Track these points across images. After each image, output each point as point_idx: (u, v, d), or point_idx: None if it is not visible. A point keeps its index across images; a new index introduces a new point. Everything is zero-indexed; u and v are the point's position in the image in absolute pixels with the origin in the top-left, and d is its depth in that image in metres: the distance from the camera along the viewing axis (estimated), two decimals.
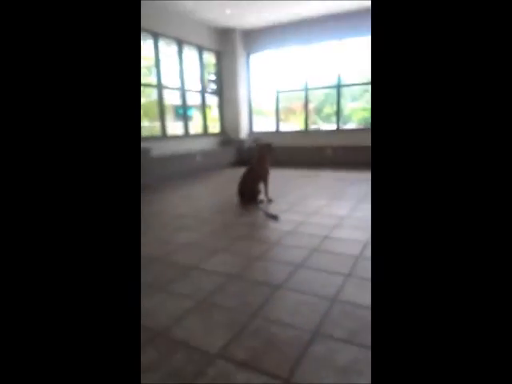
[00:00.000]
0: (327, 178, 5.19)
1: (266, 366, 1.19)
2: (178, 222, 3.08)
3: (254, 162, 3.69)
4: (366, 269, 1.96)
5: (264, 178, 3.66)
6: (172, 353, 1.29)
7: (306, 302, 1.61)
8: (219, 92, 7.18)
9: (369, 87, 6.51)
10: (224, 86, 7.15)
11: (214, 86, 7.14)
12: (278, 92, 7.10)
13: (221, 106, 7.26)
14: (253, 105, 7.49)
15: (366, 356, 1.22)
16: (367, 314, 1.49)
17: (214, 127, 7.25)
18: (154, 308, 1.61)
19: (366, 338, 1.33)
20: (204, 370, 1.18)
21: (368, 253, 2.20)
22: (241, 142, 7.07)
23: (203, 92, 6.76)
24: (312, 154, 6.60)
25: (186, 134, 6.33)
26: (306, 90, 6.86)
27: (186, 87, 6.23)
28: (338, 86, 6.54)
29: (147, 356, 1.27)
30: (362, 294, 1.68)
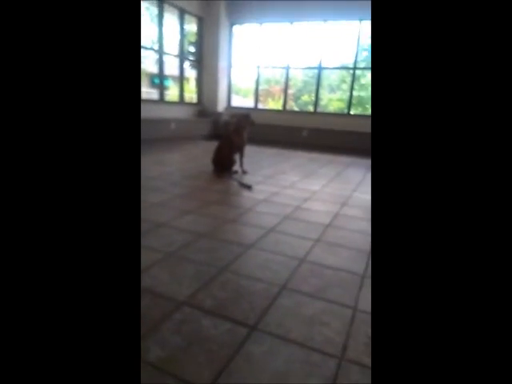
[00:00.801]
0: (302, 158, 5.23)
1: (233, 313, 1.19)
2: (149, 183, 2.97)
3: (232, 131, 3.62)
4: (334, 236, 2.01)
5: (240, 148, 3.61)
6: None
7: (275, 261, 1.63)
8: (199, 61, 6.91)
9: (347, 77, 6.57)
10: (204, 55, 6.89)
11: (193, 58, 6.86)
12: (258, 68, 6.96)
13: (199, 76, 7.01)
14: (232, 81, 7.31)
15: (331, 309, 1.26)
16: (333, 274, 1.54)
17: (191, 98, 7.01)
18: None
19: (332, 293, 1.37)
20: (170, 315, 1.16)
21: (337, 222, 2.25)
22: (217, 114, 6.90)
23: (182, 61, 6.47)
24: (288, 133, 6.60)
25: (162, 100, 6.07)
26: (288, 69, 6.78)
27: (164, 52, 5.92)
28: (319, 69, 6.52)
29: None
30: (329, 256, 1.72)
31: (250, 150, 4.09)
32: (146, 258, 1.57)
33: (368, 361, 1.00)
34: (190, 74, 6.94)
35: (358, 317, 1.22)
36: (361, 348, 1.06)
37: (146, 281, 1.37)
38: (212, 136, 6.70)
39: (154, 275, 1.42)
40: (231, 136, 3.57)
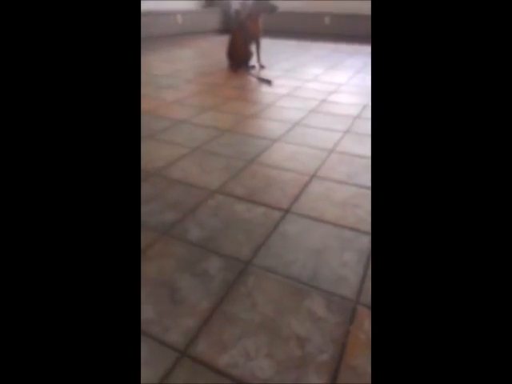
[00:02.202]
0: (324, 49, 4.72)
1: (265, 199, 1.20)
2: (161, 81, 2.80)
3: (247, 19, 3.20)
4: (364, 127, 1.90)
5: (256, 38, 3.24)
6: (169, 188, 1.27)
7: (304, 152, 1.58)
8: None
9: None
10: None
11: None
12: None
13: None
14: None
15: (362, 193, 1.25)
16: (363, 161, 1.49)
17: None
18: (147, 152, 1.55)
19: (363, 179, 1.34)
20: (203, 201, 1.18)
21: (366, 114, 2.11)
22: (227, 3, 6.09)
23: None
24: (308, 21, 5.84)
25: None
26: None
27: None
28: None
29: (143, 191, 1.25)
30: (359, 146, 1.65)
31: (265, 43, 3.70)
32: (171, 152, 1.56)
33: None
34: None
35: None
36: None
37: (175, 173, 1.38)
38: (223, 30, 6.04)
39: (183, 168, 1.42)
40: (245, 23, 3.17)
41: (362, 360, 0.67)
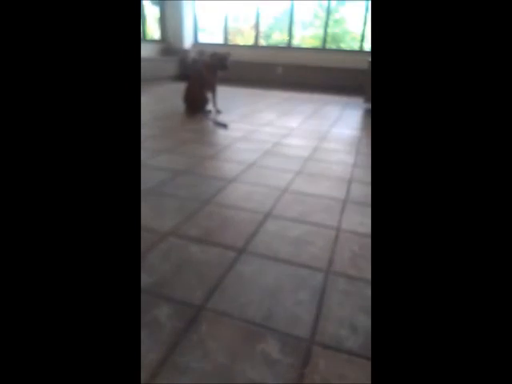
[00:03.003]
0: (277, 97, 5.04)
1: (220, 240, 1.19)
2: None
3: (204, 68, 3.36)
4: (315, 167, 2.00)
5: (212, 86, 3.40)
6: None
7: (258, 192, 1.62)
8: None
9: (320, 12, 6.13)
10: None
11: None
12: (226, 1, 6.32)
13: (162, 11, 6.31)
14: (198, 22, 6.63)
15: (315, 230, 1.29)
16: (316, 201, 1.55)
17: (154, 33, 6.37)
18: None
19: (316, 217, 1.39)
20: (156, 245, 1.14)
21: (317, 155, 2.24)
22: (184, 52, 6.38)
23: None
24: (262, 71, 6.29)
25: None
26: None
27: None
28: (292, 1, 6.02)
29: None
30: (311, 185, 1.73)
31: (221, 91, 3.88)
32: None
33: (353, 272, 1.05)
34: (150, 10, 6.20)
35: (342, 236, 1.26)
36: (346, 262, 1.10)
37: None
38: (180, 76, 6.26)
39: None
40: (203, 72, 3.33)
41: None
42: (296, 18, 6.22)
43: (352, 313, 0.88)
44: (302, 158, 2.18)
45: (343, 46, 6.32)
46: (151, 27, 6.33)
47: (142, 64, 5.53)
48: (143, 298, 0.89)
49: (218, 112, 3.48)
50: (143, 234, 1.20)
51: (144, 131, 2.64)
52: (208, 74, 3.33)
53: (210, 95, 3.40)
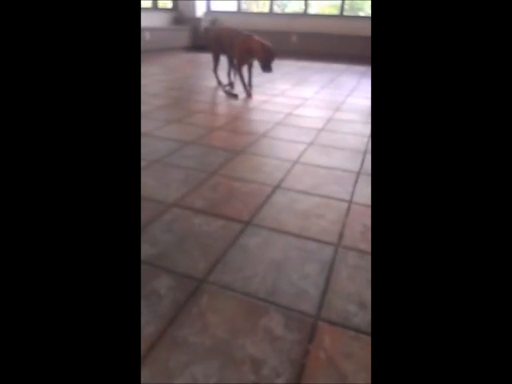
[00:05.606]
0: (291, 66, 4.83)
1: (225, 212, 1.14)
2: None
3: (240, 42, 2.75)
4: (328, 139, 1.91)
5: (260, 56, 2.85)
6: None
7: (268, 163, 1.55)
8: None
9: None
10: None
11: None
12: None
13: None
14: None
15: (326, 203, 1.22)
16: (327, 172, 1.48)
17: (165, 4, 6.12)
18: None
19: (327, 189, 1.32)
20: (159, 216, 1.11)
21: (330, 126, 2.13)
22: (196, 21, 6.14)
23: None
24: (276, 39, 6.00)
25: None
26: None
27: None
28: None
29: None
30: (323, 157, 1.64)
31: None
32: None
33: (364, 246, 0.99)
34: None
35: (354, 209, 1.19)
36: (357, 236, 1.04)
37: None
38: (192, 47, 6.06)
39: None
40: (251, 43, 2.70)
41: (321, 381, 0.61)
42: None
43: (361, 288, 0.83)
44: (315, 128, 2.08)
45: (362, 14, 5.92)
46: None
47: (154, 34, 5.37)
48: (144, 269, 0.87)
49: (232, 84, 3.34)
50: (147, 205, 1.16)
51: (154, 101, 2.57)
52: (254, 43, 2.73)
53: (233, 70, 3.06)
